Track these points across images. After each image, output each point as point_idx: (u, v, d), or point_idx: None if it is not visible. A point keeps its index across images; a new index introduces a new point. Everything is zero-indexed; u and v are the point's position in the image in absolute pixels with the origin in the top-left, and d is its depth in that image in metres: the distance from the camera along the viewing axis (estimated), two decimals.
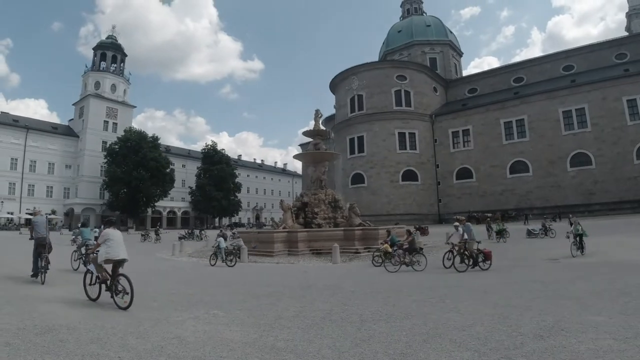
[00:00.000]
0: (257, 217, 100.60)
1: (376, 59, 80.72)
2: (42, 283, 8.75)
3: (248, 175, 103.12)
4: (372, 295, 8.32)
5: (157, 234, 33.46)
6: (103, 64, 76.89)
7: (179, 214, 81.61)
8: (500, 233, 22.97)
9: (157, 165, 66.28)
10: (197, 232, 41.34)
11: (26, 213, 61.89)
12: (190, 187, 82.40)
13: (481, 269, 11.67)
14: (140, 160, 63.67)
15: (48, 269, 9.28)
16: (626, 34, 65.85)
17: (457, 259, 12.00)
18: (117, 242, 7.56)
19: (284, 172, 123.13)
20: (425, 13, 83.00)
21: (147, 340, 5.02)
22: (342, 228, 20.77)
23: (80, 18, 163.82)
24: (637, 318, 5.44)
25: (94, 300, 7.57)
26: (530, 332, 4.99)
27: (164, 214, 78.44)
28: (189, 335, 5.29)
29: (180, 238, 26.80)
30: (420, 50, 73.83)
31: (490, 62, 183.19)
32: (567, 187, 48.47)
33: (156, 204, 71.24)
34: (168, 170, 69.96)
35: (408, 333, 5.20)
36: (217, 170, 79.27)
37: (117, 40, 79.97)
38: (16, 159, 65.05)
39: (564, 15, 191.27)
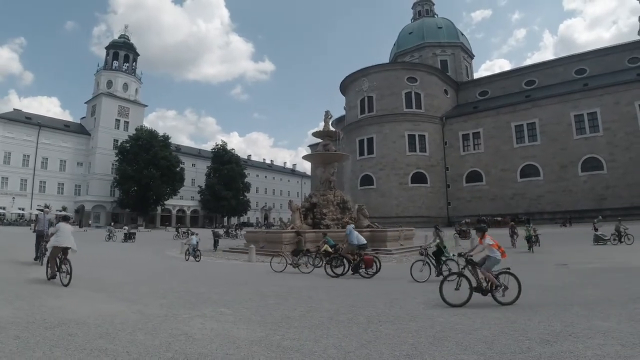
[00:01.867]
0: (266, 217, 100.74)
1: (387, 60, 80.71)
2: (65, 284, 8.75)
3: (257, 175, 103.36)
4: (378, 296, 8.31)
5: (177, 231, 36.50)
6: (115, 63, 77.50)
7: (188, 212, 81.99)
8: (530, 240, 18.99)
9: (168, 164, 66.71)
10: (232, 230, 41.57)
11: (37, 209, 62.59)
12: (200, 186, 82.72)
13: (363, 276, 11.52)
14: (151, 158, 64.11)
15: (68, 272, 8.96)
16: (639, 37, 64.97)
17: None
18: (65, 234, 9.34)
19: (293, 172, 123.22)
20: (437, 15, 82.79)
21: (156, 337, 5.07)
22: None
23: (93, 18, 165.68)
24: None
25: (49, 279, 9.15)
26: (538, 337, 4.96)
27: (174, 212, 78.84)
28: (196, 332, 5.33)
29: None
30: (431, 52, 73.67)
31: (501, 65, 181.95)
32: (579, 191, 48.07)
33: (166, 202, 71.67)
34: (178, 169, 70.37)
35: (414, 335, 5.19)
36: (227, 169, 79.52)
37: (129, 40, 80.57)
38: (28, 156, 65.78)
39: (575, 19, 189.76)
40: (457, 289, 7.57)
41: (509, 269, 7.42)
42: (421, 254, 11.48)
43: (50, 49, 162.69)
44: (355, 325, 5.80)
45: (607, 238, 20.07)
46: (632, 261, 13.21)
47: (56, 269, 9.10)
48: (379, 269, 11.83)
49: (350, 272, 11.85)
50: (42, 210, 14.12)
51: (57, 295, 7.87)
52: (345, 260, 12.25)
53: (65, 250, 9.15)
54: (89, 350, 4.48)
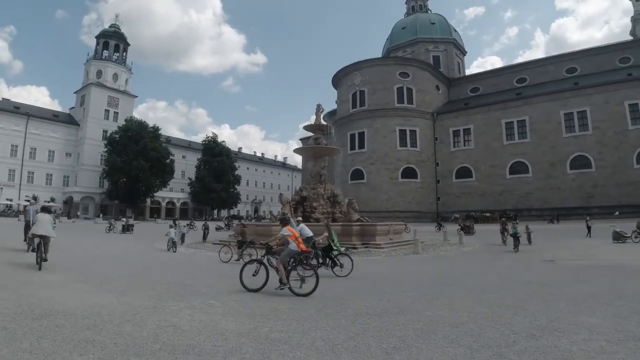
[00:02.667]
0: (256, 210, 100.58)
1: (379, 55, 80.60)
2: (39, 269, 9.69)
3: (248, 168, 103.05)
4: (367, 290, 8.36)
5: (174, 222, 35.48)
6: (105, 53, 76.57)
7: (177, 204, 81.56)
8: (516, 237, 17.28)
9: (157, 156, 66.25)
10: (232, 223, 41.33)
11: (25, 200, 61.89)
12: (190, 179, 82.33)
13: None
14: (141, 150, 63.59)
15: (43, 258, 10.04)
16: (631, 38, 65.54)
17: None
18: (42, 223, 10.30)
19: (284, 165, 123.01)
20: (430, 10, 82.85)
21: (143, 328, 5.06)
22: (340, 223, 20.76)
23: (83, 6, 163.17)
24: (631, 321, 5.46)
25: (37, 266, 9.90)
26: (523, 331, 5.02)
27: (163, 204, 78.44)
28: (184, 324, 5.32)
29: (217, 229, 26.49)
30: (424, 47, 73.74)
31: (493, 62, 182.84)
32: (567, 189, 48.54)
33: (155, 194, 71.24)
34: (168, 160, 69.90)
35: (402, 328, 5.23)
36: (217, 162, 79.19)
37: (120, 29, 79.59)
38: (16, 146, 64.97)
39: (567, 18, 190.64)
40: (254, 274, 8.25)
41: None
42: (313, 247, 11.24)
43: (40, 37, 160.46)
44: (344, 318, 5.83)
45: (627, 235, 19.52)
46: (618, 258, 13.39)
47: (33, 250, 10.73)
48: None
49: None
50: (29, 202, 15.36)
51: (45, 287, 7.82)
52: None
53: (44, 237, 10.13)
54: (76, 341, 4.46)
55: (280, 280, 7.70)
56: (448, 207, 56.24)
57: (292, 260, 8.12)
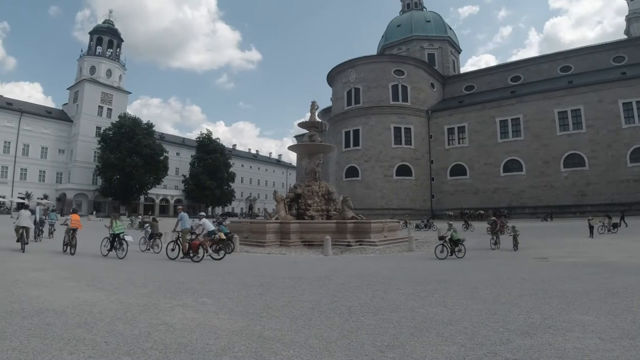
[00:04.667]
0: (250, 208, 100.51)
1: (374, 52, 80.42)
2: (23, 251, 13.20)
3: (242, 165, 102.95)
4: (361, 287, 8.33)
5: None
6: (99, 49, 76.18)
7: (171, 202, 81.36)
8: (495, 233, 17.54)
9: (151, 153, 66.04)
10: (222, 220, 41.29)
11: (18, 197, 61.51)
12: (184, 176, 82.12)
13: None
14: (134, 146, 63.35)
15: (25, 243, 13.74)
16: (625, 37, 65.86)
17: None
18: (23, 218, 13.87)
19: (278, 163, 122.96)
20: (425, 8, 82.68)
21: (135, 326, 5.00)
22: (335, 220, 20.78)
23: (76, 3, 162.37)
24: (624, 318, 5.46)
25: (21, 249, 13.33)
26: (517, 329, 5.00)
27: (157, 201, 78.21)
28: (176, 322, 5.28)
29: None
30: (418, 45, 73.66)
31: (487, 61, 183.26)
32: (560, 187, 48.73)
33: (149, 191, 71.01)
34: (162, 157, 69.71)
35: (396, 326, 5.20)
36: (212, 159, 79.04)
37: (113, 25, 79.14)
38: (9, 143, 64.58)
39: (561, 17, 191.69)
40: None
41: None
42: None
43: (33, 34, 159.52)
44: (337, 315, 5.80)
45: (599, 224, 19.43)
46: (610, 255, 13.44)
47: (22, 241, 13.50)
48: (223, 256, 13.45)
49: (181, 255, 13.28)
50: (23, 203, 19.42)
51: (36, 285, 7.76)
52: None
53: (26, 228, 13.73)
54: (66, 339, 4.41)
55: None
56: (442, 205, 56.32)
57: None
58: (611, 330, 4.89)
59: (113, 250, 13.19)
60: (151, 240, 15.97)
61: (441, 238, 14.22)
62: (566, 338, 4.60)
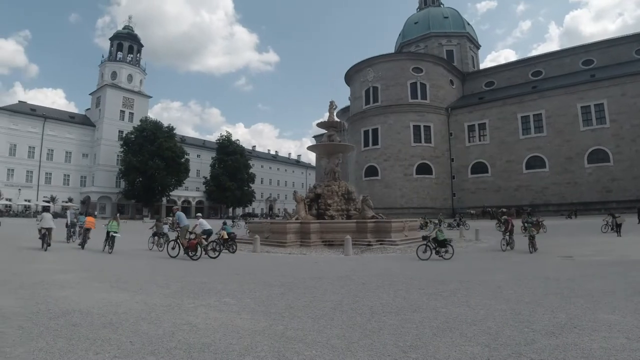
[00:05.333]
0: (271, 208, 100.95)
1: (392, 50, 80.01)
2: (45, 250, 14.77)
3: (262, 166, 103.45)
4: (382, 287, 8.30)
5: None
6: (120, 55, 77.44)
7: (193, 203, 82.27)
8: (442, 244, 13.51)
9: (173, 155, 66.79)
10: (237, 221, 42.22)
11: (43, 201, 63.00)
12: (205, 177, 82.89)
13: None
14: (156, 149, 64.19)
15: (48, 244, 15.27)
16: None
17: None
18: (46, 220, 15.40)
19: (297, 163, 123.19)
20: (443, 4, 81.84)
21: (159, 326, 5.09)
22: (355, 220, 20.73)
23: (96, 10, 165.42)
24: None
25: (44, 249, 14.81)
26: (542, 329, 4.93)
27: (179, 203, 79.14)
28: (200, 322, 5.34)
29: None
30: (437, 42, 72.97)
31: (507, 56, 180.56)
32: (584, 184, 47.71)
33: (171, 193, 71.90)
34: (183, 160, 70.44)
35: (418, 326, 5.18)
36: (232, 160, 79.58)
37: (133, 31, 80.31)
38: (34, 148, 66.12)
39: (581, 10, 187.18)
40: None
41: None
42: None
43: (55, 41, 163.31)
44: (359, 315, 5.79)
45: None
46: (636, 254, 13.12)
47: (44, 241, 14.99)
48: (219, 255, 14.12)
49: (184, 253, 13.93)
50: (46, 207, 20.20)
51: (62, 286, 7.94)
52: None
53: (48, 229, 15.13)
54: (92, 340, 4.50)
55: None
56: (463, 203, 55.72)
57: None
58: (638, 330, 4.79)
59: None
60: (156, 238, 17.47)
61: (425, 238, 13.85)
62: (592, 338, 4.52)
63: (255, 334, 4.80)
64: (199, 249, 13.63)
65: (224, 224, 19.05)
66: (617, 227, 20.21)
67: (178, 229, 14.83)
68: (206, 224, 14.78)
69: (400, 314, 5.89)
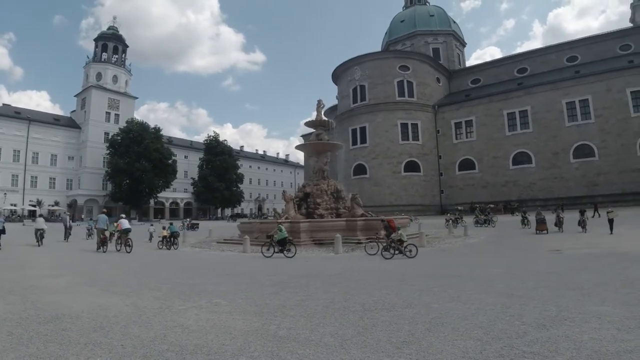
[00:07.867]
0: (260, 208, 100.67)
1: (379, 49, 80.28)
2: (39, 245, 18.39)
3: (250, 166, 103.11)
4: (374, 284, 8.31)
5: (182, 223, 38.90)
6: (104, 55, 76.59)
7: (181, 204, 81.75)
8: (401, 242, 13.19)
9: (160, 157, 66.36)
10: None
11: (29, 205, 62.10)
12: (193, 178, 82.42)
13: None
14: (143, 151, 63.69)
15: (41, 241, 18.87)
16: (630, 25, 65.01)
17: None
18: (39, 222, 19.43)
19: (286, 163, 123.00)
20: (429, 3, 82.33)
21: (150, 329, 5.03)
22: (345, 218, 20.73)
23: (80, 11, 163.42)
24: None
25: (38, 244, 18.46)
26: (533, 322, 4.97)
27: (167, 205, 78.61)
28: (191, 323, 5.30)
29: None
30: (423, 40, 73.39)
31: (492, 54, 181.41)
32: (570, 178, 48.34)
33: (159, 195, 71.37)
34: (170, 161, 70.02)
35: (411, 322, 5.19)
36: (220, 161, 79.23)
37: (118, 31, 79.47)
38: (19, 151, 65.15)
39: (564, 8, 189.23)
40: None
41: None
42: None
43: (39, 43, 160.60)
44: (351, 313, 5.79)
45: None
46: (623, 246, 13.31)
47: (37, 238, 18.85)
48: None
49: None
50: (37, 213, 22.00)
51: (51, 291, 7.85)
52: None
53: (41, 230, 18.91)
54: (83, 344, 4.44)
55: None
56: (452, 200, 56.03)
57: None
58: (628, 321, 4.85)
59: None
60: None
61: (387, 236, 13.84)
62: (583, 330, 4.57)
63: (247, 334, 4.77)
64: (108, 243, 17.44)
65: (171, 224, 20.33)
66: (583, 223, 19.75)
67: (97, 228, 18.32)
68: (126, 223, 17.66)
69: (393, 310, 5.89)
